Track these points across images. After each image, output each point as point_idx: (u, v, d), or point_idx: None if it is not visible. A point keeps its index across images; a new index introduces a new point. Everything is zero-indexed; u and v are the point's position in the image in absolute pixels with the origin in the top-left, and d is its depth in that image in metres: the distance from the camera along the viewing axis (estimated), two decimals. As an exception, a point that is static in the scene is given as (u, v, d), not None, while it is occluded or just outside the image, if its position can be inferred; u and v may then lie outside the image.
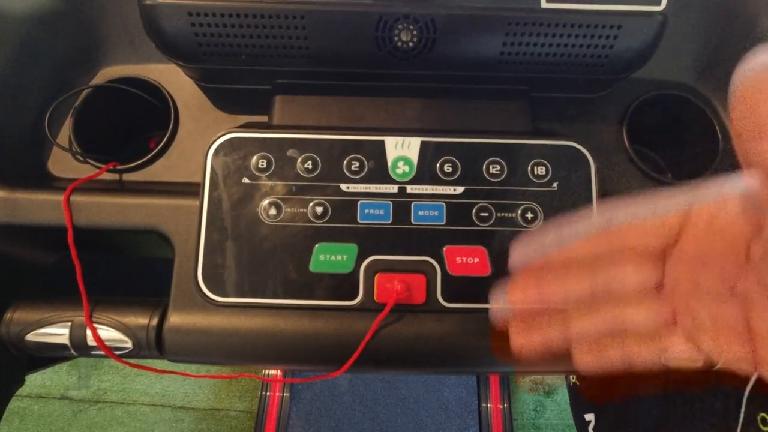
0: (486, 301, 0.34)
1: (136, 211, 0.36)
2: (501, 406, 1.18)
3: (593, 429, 0.72)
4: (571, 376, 0.82)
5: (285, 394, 1.16)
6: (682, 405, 0.54)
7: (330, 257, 0.34)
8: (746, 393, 0.46)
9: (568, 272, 0.22)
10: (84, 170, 0.39)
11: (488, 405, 1.18)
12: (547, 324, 0.23)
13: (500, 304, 0.24)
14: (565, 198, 0.36)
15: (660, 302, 0.22)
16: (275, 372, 1.12)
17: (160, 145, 0.40)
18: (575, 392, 0.80)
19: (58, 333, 0.35)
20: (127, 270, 0.51)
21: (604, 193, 0.37)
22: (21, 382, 0.41)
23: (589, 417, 0.74)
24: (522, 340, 0.23)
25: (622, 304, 0.22)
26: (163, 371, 0.38)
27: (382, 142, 0.36)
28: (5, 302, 0.36)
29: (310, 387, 1.18)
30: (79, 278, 0.35)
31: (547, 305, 0.23)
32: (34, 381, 1.26)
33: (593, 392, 0.75)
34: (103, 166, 0.38)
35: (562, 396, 1.28)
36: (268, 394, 1.17)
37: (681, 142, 0.45)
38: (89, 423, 1.23)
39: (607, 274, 0.22)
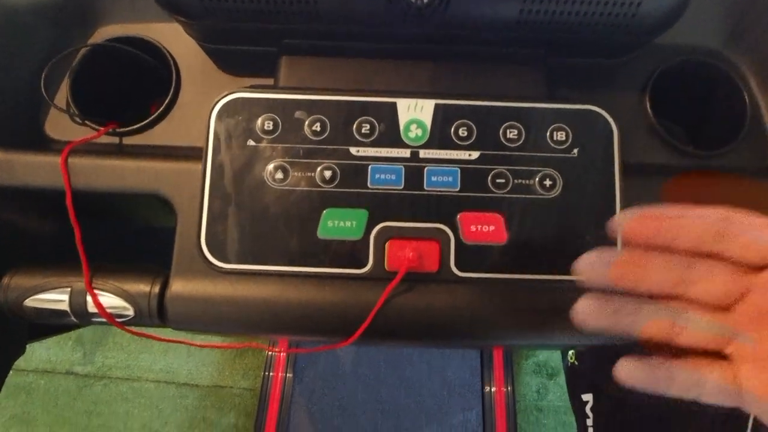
0: (502, 271, 0.33)
1: (137, 174, 0.34)
2: (504, 389, 1.18)
3: (590, 410, 0.71)
4: (569, 356, 0.81)
5: (288, 374, 1.17)
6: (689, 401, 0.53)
7: (339, 223, 0.33)
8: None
9: (670, 258, 0.22)
10: (82, 133, 0.38)
11: (492, 388, 1.17)
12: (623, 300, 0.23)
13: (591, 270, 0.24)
14: (586, 165, 0.34)
15: (726, 318, 0.22)
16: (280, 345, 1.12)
17: (161, 108, 0.38)
18: (573, 372, 0.79)
19: (57, 299, 0.34)
20: (129, 239, 0.50)
21: (626, 165, 0.35)
22: (22, 351, 0.40)
23: (587, 397, 0.73)
24: (594, 308, 0.23)
25: (695, 305, 0.22)
26: (167, 339, 0.37)
27: (394, 104, 0.34)
28: (3, 268, 0.35)
29: (314, 366, 1.18)
30: (78, 242, 0.33)
31: (638, 285, 0.23)
32: (40, 356, 1.27)
33: (592, 373, 0.74)
34: (102, 128, 0.37)
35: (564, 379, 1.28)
36: (271, 374, 1.17)
37: (705, 112, 0.43)
38: (94, 398, 1.24)
39: (701, 272, 0.22)
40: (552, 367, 1.29)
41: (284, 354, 1.17)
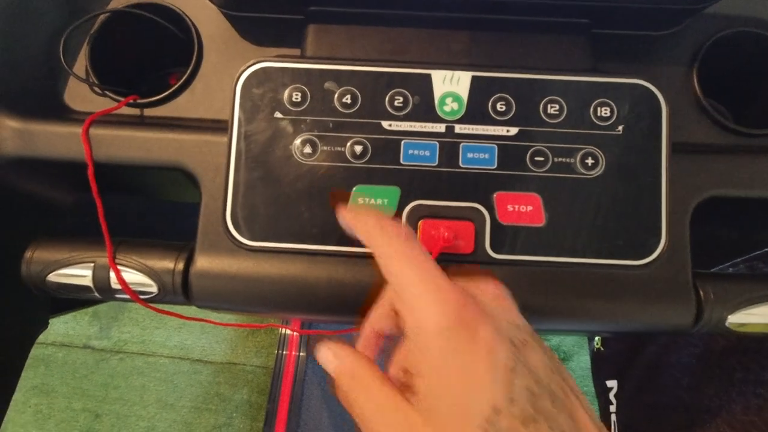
0: (539, 254, 0.31)
1: (160, 146, 0.33)
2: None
3: (615, 396, 0.71)
4: (595, 341, 0.80)
5: (301, 353, 1.17)
6: (720, 374, 0.52)
7: (370, 201, 0.32)
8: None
9: None
10: (102, 104, 0.36)
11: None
12: None
13: None
14: (631, 143, 0.32)
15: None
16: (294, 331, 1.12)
17: (183, 78, 0.37)
18: (599, 357, 0.79)
19: (80, 274, 0.33)
20: (153, 214, 0.49)
21: (673, 144, 0.33)
22: (45, 325, 0.40)
23: (611, 384, 0.72)
24: None
25: None
26: (184, 317, 0.36)
27: (429, 75, 0.32)
28: (25, 241, 0.34)
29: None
30: (101, 217, 0.32)
31: None
32: (58, 330, 1.29)
33: (618, 359, 0.73)
34: (123, 99, 0.35)
35: (577, 363, 1.27)
36: (284, 352, 1.18)
37: (754, 88, 0.41)
38: (111, 371, 1.26)
39: None
40: (564, 351, 1.28)
41: (297, 334, 1.18)
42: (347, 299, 0.32)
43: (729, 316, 0.32)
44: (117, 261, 0.33)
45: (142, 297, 0.33)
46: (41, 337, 1.29)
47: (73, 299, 0.41)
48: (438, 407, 0.21)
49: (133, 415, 1.22)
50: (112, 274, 0.33)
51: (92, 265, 0.33)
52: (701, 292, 0.32)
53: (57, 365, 1.27)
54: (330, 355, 0.25)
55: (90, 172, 0.32)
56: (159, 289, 0.33)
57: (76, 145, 0.33)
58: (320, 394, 1.15)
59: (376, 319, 0.27)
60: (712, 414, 0.52)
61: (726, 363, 0.51)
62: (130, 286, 0.33)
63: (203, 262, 0.32)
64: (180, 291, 0.33)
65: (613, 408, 0.68)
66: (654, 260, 0.32)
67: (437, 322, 0.21)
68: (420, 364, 0.22)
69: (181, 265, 0.33)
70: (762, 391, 0.46)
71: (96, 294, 0.33)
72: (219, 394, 1.26)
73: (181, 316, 0.35)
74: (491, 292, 0.25)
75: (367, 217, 0.25)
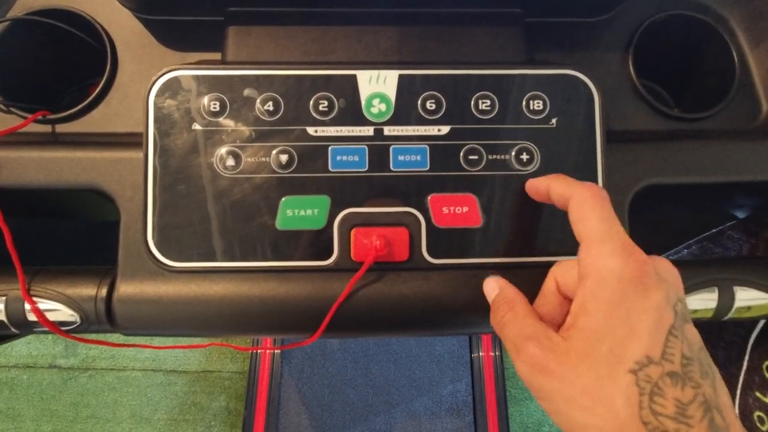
0: (477, 256, 0.30)
1: (71, 166, 0.31)
2: (492, 354, 1.18)
3: None
4: None
5: (276, 352, 1.16)
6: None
7: (299, 212, 0.30)
8: (751, 340, 0.44)
9: None
10: (9, 122, 0.34)
11: (480, 354, 1.18)
12: None
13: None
14: (566, 136, 0.31)
15: None
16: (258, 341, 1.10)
17: (98, 90, 0.34)
18: None
19: (-8, 308, 0.30)
20: (72, 238, 0.46)
21: (609, 132, 0.32)
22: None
23: None
24: None
25: None
26: (129, 345, 0.34)
27: (354, 76, 0.31)
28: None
29: (301, 346, 1.17)
30: (9, 245, 0.30)
31: None
32: (20, 352, 1.24)
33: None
34: (30, 116, 0.33)
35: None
36: (258, 353, 1.16)
37: (690, 72, 0.40)
38: (80, 390, 1.22)
39: None
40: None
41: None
42: (280, 314, 0.30)
43: (671, 305, 0.32)
44: (32, 292, 0.30)
45: (63, 328, 0.31)
46: (3, 360, 1.22)
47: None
48: (595, 344, 0.22)
49: (106, 432, 1.19)
50: (28, 306, 0.30)
51: (4, 298, 0.30)
52: None
53: (22, 388, 1.22)
54: (494, 285, 0.29)
55: (-8, 199, 0.30)
56: (82, 319, 0.31)
57: (-25, 171, 0.30)
58: (298, 396, 1.14)
59: (543, 297, 0.28)
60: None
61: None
62: (49, 318, 0.30)
63: (126, 288, 0.30)
64: (104, 319, 0.31)
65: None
66: (593, 254, 0.31)
67: (620, 271, 0.23)
68: (589, 302, 0.23)
69: (103, 292, 0.31)
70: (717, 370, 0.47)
71: (12, 329, 0.31)
72: (196, 404, 1.23)
73: (112, 344, 0.33)
74: (666, 266, 0.26)
75: (564, 177, 0.28)
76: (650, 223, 0.35)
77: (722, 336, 0.46)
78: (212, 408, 1.22)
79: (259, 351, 1.17)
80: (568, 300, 0.27)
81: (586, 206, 0.26)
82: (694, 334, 0.24)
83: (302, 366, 1.16)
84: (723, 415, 0.22)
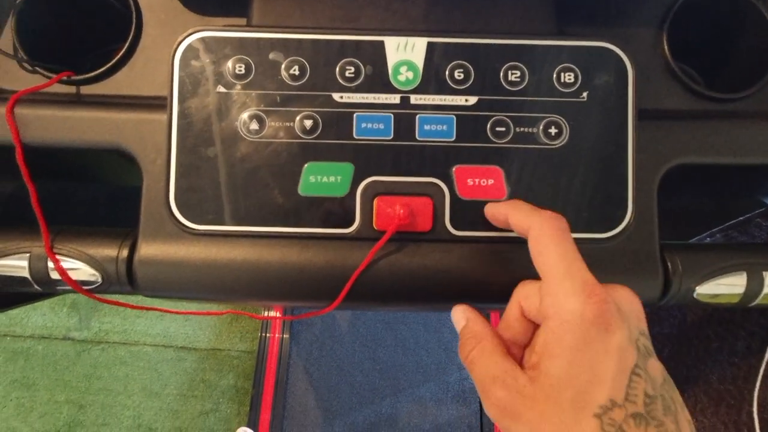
0: (501, 229, 0.30)
1: (95, 125, 0.31)
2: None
3: None
4: None
5: (285, 336, 1.16)
6: (697, 345, 0.52)
7: (322, 178, 0.30)
8: (774, 331, 0.43)
9: None
10: (34, 82, 0.34)
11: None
12: None
13: None
14: (596, 110, 0.31)
15: None
16: (274, 313, 1.11)
17: (122, 52, 0.34)
18: None
19: (16, 265, 0.31)
20: (100, 201, 0.46)
21: (640, 110, 0.32)
22: (-9, 320, 0.38)
23: None
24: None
25: None
26: (146, 308, 0.34)
27: (382, 43, 0.30)
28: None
29: (310, 328, 1.18)
30: (34, 203, 0.30)
31: None
32: (36, 322, 1.26)
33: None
34: (55, 75, 0.33)
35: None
36: (268, 335, 1.17)
37: (726, 52, 0.39)
38: (93, 362, 1.25)
39: None
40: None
41: (281, 315, 1.17)
42: (299, 281, 0.30)
43: (697, 288, 0.32)
44: (56, 250, 0.31)
45: (85, 287, 0.31)
46: (19, 330, 1.25)
47: (16, 293, 0.39)
48: (561, 388, 0.23)
49: (117, 404, 1.21)
50: (51, 264, 0.31)
51: (28, 255, 0.31)
52: (669, 264, 0.31)
53: (37, 358, 1.25)
54: (462, 317, 0.29)
55: (18, 154, 0.30)
56: (102, 279, 0.31)
57: (2, 127, 0.30)
58: (305, 377, 1.15)
59: (507, 321, 0.28)
60: (691, 383, 0.52)
61: (703, 333, 0.51)
62: (71, 276, 0.31)
63: (148, 249, 0.30)
64: (125, 280, 0.31)
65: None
66: (620, 232, 0.31)
67: (581, 313, 0.23)
68: (553, 346, 0.24)
69: (124, 253, 0.31)
70: (736, 360, 0.46)
71: (35, 286, 0.31)
72: (205, 381, 1.25)
73: (130, 305, 0.34)
74: (628, 298, 0.26)
75: (523, 205, 0.28)
76: (674, 210, 0.34)
77: (744, 326, 0.45)
78: (221, 385, 1.24)
79: (268, 334, 1.18)
80: (533, 324, 0.27)
81: (545, 239, 0.25)
82: (656, 369, 0.24)
83: (311, 348, 1.17)
84: None
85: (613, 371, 0.22)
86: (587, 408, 0.22)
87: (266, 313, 1.07)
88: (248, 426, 1.09)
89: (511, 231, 0.30)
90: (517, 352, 0.27)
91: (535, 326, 0.27)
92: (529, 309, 0.27)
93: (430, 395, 1.15)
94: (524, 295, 0.27)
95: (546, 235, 0.25)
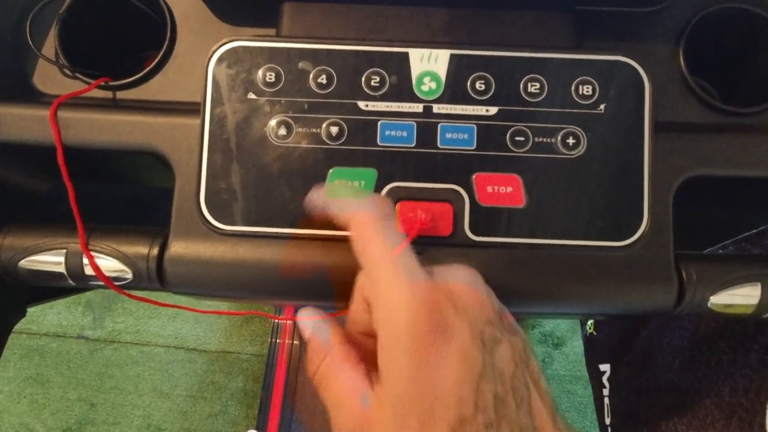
0: (519, 235, 0.31)
1: (131, 128, 0.32)
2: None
3: (608, 379, 0.71)
4: (587, 327, 0.80)
5: (295, 342, 1.17)
6: (709, 357, 0.52)
7: (346, 183, 0.31)
8: (789, 344, 0.43)
9: None
10: (73, 87, 0.35)
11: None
12: None
13: None
14: (613, 122, 0.32)
15: None
16: (284, 317, 1.12)
17: (156, 60, 0.35)
18: (591, 342, 0.79)
19: (53, 261, 0.32)
20: (127, 203, 0.48)
21: (656, 123, 0.32)
22: (23, 314, 0.39)
23: (605, 368, 0.72)
24: None
25: None
26: (170, 305, 0.35)
27: (406, 54, 0.32)
28: (-3, 228, 0.33)
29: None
30: (72, 202, 0.32)
31: None
32: (51, 321, 1.28)
33: (611, 343, 0.73)
34: (94, 81, 0.34)
35: (571, 348, 1.28)
36: (278, 341, 1.18)
37: (742, 67, 0.40)
38: (105, 361, 1.26)
39: None
40: (558, 337, 1.29)
41: (291, 321, 1.18)
42: (324, 282, 0.31)
43: (711, 297, 0.32)
44: (90, 247, 0.32)
45: (116, 283, 0.33)
46: (34, 328, 1.28)
47: (49, 287, 0.41)
48: (406, 410, 0.20)
49: (128, 404, 1.23)
50: (86, 260, 0.32)
51: (65, 251, 0.32)
52: (683, 273, 0.32)
53: (51, 355, 1.27)
54: (307, 325, 0.25)
55: (59, 155, 0.31)
56: (133, 275, 0.32)
57: (44, 128, 0.32)
58: (314, 381, 1.16)
59: (354, 315, 0.26)
60: (702, 396, 0.52)
61: (715, 346, 0.51)
62: (105, 273, 0.32)
63: (177, 248, 0.32)
64: (155, 277, 0.32)
65: (606, 391, 0.68)
66: (636, 241, 0.31)
67: (413, 325, 0.21)
68: (389, 364, 0.21)
69: (155, 251, 0.32)
70: (748, 372, 0.46)
71: (70, 281, 0.33)
72: (214, 383, 1.26)
73: (163, 304, 0.35)
74: (462, 287, 0.23)
75: (344, 197, 0.25)
76: (686, 222, 0.35)
77: (756, 339, 0.45)
78: (230, 388, 1.25)
79: (278, 339, 1.18)
80: None
81: (366, 236, 0.23)
82: (505, 358, 0.22)
83: (320, 352, 1.17)
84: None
85: (457, 385, 0.20)
86: (436, 429, 0.20)
87: (284, 314, 1.08)
88: (256, 429, 1.09)
89: (529, 237, 0.31)
90: (371, 344, 0.24)
91: None
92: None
93: (438, 403, 1.15)
94: (364, 285, 0.25)
95: (365, 232, 0.23)
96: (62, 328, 1.29)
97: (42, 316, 1.29)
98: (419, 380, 0.20)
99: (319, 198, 0.27)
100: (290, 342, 1.17)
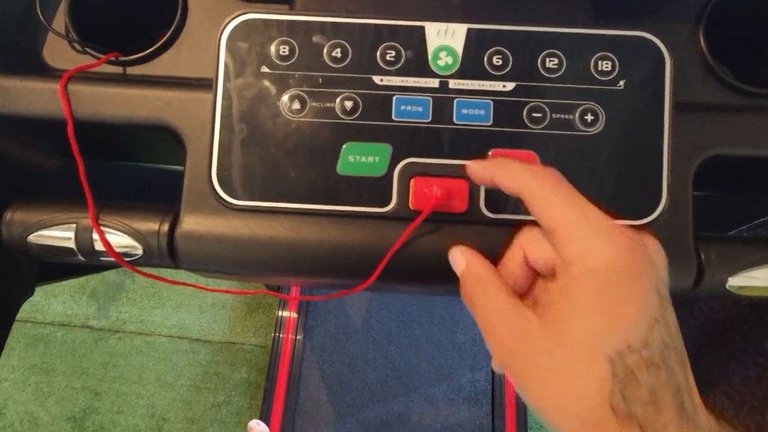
0: None
1: (143, 102, 0.32)
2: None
3: None
4: None
5: (298, 337, 1.17)
6: (720, 345, 0.51)
7: (360, 158, 0.30)
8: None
9: None
10: (83, 62, 0.35)
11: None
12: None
13: None
14: (633, 99, 0.31)
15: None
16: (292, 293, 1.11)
17: (167, 35, 0.35)
18: None
19: (62, 236, 0.32)
20: (137, 186, 0.48)
21: (676, 101, 0.32)
22: (31, 292, 0.39)
23: None
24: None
25: None
26: (177, 282, 0.35)
27: (422, 28, 0.31)
28: (5, 202, 0.33)
29: (324, 325, 1.19)
30: (81, 176, 0.31)
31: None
32: (56, 310, 1.29)
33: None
34: (104, 56, 0.34)
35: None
36: (281, 335, 1.18)
37: (761, 48, 0.39)
38: (110, 351, 1.27)
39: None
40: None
41: (294, 314, 1.17)
42: (337, 259, 0.31)
43: (730, 279, 0.31)
44: (100, 222, 0.32)
45: (127, 260, 0.32)
46: (39, 317, 1.28)
47: (59, 266, 0.40)
48: (573, 327, 0.22)
49: (132, 393, 1.23)
50: (96, 236, 0.32)
51: (74, 226, 0.32)
52: (702, 254, 0.31)
53: (56, 344, 1.27)
54: (461, 258, 0.27)
55: (69, 128, 0.31)
56: (144, 252, 0.32)
57: (54, 102, 0.31)
58: (318, 373, 1.16)
59: (505, 265, 0.27)
60: (711, 385, 0.51)
61: (727, 334, 0.51)
62: (115, 248, 0.32)
63: (189, 223, 0.31)
64: (166, 253, 0.32)
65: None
66: (654, 220, 0.31)
67: (609, 259, 0.22)
68: (574, 289, 0.22)
69: (166, 227, 0.32)
70: (761, 360, 0.45)
71: (80, 257, 0.32)
72: (218, 373, 1.26)
73: (170, 281, 0.35)
74: (654, 245, 0.25)
75: (510, 163, 0.26)
76: (701, 207, 0.34)
77: (771, 326, 0.44)
78: (233, 378, 1.25)
79: (281, 334, 1.18)
80: (534, 271, 0.26)
81: (547, 193, 0.24)
82: (673, 319, 0.23)
83: (324, 344, 1.17)
84: (692, 399, 0.22)
85: (635, 317, 0.21)
86: (600, 350, 0.21)
87: (292, 293, 1.07)
88: (260, 419, 1.10)
89: None
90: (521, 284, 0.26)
91: (536, 275, 0.26)
92: (535, 257, 0.25)
93: (442, 395, 1.14)
94: (530, 244, 0.26)
95: (546, 189, 0.24)
96: (67, 318, 1.30)
97: (47, 305, 1.29)
98: (602, 305, 0.22)
99: (484, 168, 0.27)
100: (293, 337, 1.17)
